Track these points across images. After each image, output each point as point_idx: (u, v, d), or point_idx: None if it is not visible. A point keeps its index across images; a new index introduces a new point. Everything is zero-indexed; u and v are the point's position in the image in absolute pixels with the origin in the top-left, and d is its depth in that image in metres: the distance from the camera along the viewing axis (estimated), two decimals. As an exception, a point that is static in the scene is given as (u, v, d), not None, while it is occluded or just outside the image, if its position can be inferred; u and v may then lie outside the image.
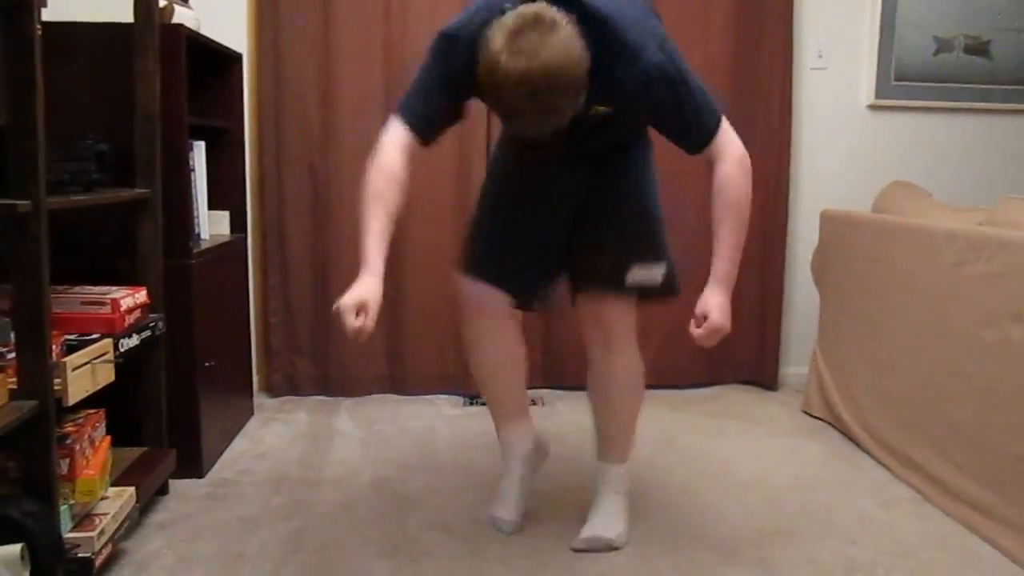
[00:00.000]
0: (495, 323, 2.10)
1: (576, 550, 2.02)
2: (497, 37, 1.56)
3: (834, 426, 2.91)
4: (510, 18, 1.57)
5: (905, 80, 3.44)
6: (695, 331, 1.80)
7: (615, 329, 2.04)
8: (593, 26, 1.64)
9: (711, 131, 1.78)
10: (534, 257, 2.04)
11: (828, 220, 3.01)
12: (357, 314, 1.64)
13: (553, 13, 1.57)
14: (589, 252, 2.01)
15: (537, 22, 1.55)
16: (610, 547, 2.03)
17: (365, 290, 1.67)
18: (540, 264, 2.06)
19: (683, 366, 3.38)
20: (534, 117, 1.59)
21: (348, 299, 1.65)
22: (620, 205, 1.98)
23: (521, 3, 1.62)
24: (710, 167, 1.82)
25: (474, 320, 2.10)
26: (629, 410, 2.12)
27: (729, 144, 1.80)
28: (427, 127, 1.84)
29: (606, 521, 2.07)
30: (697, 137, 1.79)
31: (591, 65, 1.62)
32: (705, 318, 1.79)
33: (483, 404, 3.18)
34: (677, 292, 2.06)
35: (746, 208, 1.83)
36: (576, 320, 2.11)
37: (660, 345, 3.35)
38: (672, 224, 2.07)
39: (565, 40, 1.55)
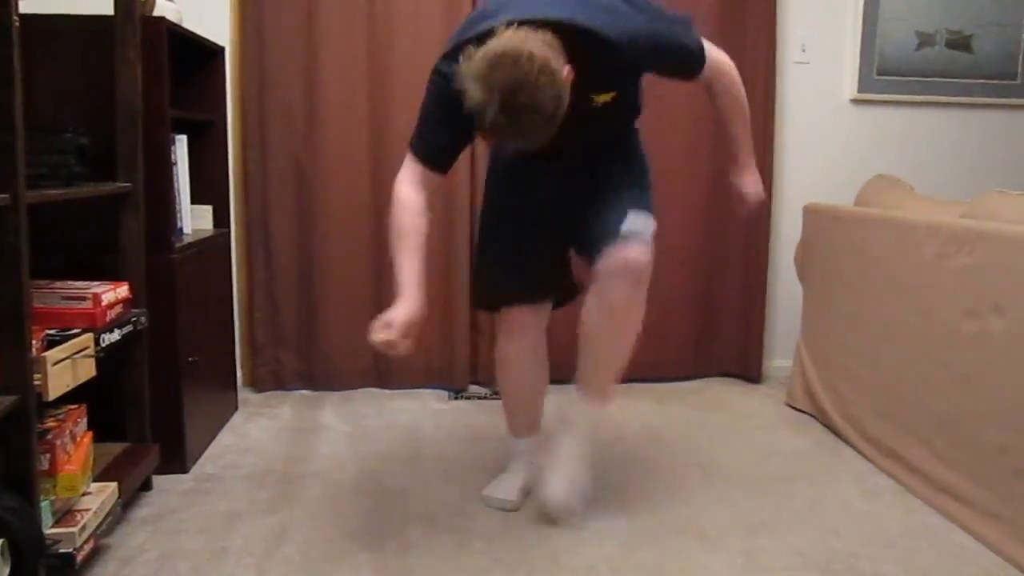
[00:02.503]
0: (532, 344, 2.21)
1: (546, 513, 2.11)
2: (469, 65, 1.64)
3: (817, 418, 2.93)
4: (479, 49, 1.64)
5: (888, 74, 3.46)
6: (744, 205, 2.19)
7: (641, 266, 1.94)
8: (567, 35, 1.72)
9: (700, 59, 1.96)
10: (546, 257, 2.16)
11: (811, 213, 3.02)
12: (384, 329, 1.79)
13: (520, 38, 1.63)
14: (596, 218, 2.01)
15: (507, 54, 1.61)
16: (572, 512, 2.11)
17: (395, 312, 1.82)
18: (552, 261, 2.18)
19: (668, 359, 3.39)
20: (517, 134, 1.67)
21: (379, 319, 1.80)
22: (619, 178, 2.06)
23: (506, 26, 1.69)
24: (703, 84, 2.05)
25: (512, 339, 2.21)
26: (627, 344, 2.04)
27: (714, 58, 1.99)
28: (438, 157, 1.95)
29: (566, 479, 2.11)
30: (693, 68, 1.98)
31: (579, 64, 1.70)
32: (746, 195, 2.17)
33: (468, 398, 3.19)
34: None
35: (744, 100, 2.09)
36: (595, 275, 2.02)
37: (645, 339, 3.35)
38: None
39: (535, 60, 1.61)
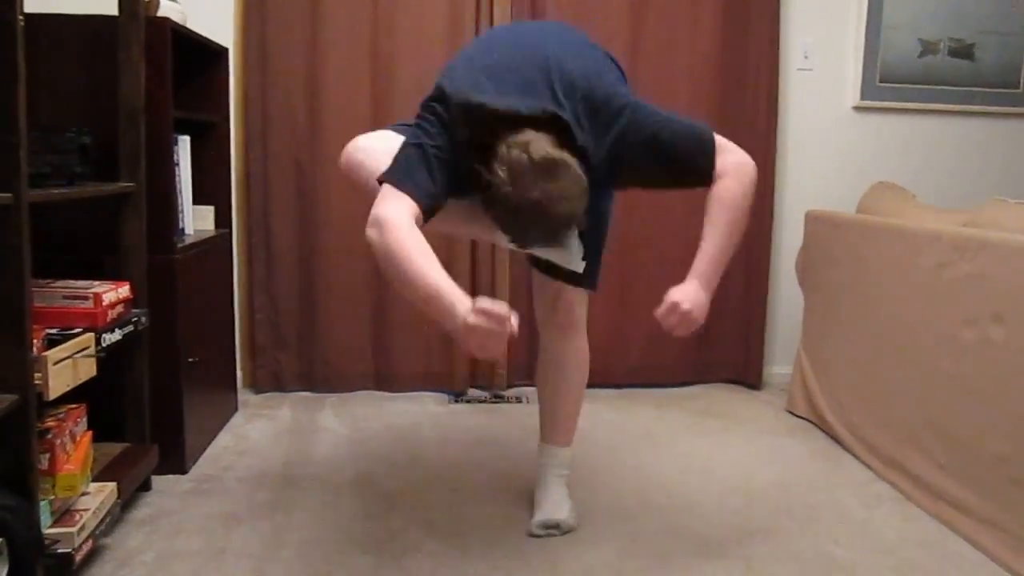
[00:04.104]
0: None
1: (533, 535, 2.06)
2: (512, 178, 1.61)
3: (817, 425, 2.92)
4: (523, 159, 1.61)
5: (890, 82, 3.46)
6: (663, 318, 1.75)
7: (572, 313, 2.11)
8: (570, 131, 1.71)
9: (710, 155, 1.77)
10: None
11: (813, 221, 3.02)
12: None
13: (554, 152, 1.63)
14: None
15: (548, 167, 1.62)
16: (567, 529, 2.09)
17: (482, 302, 1.49)
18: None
19: (668, 365, 3.39)
20: (544, 238, 1.72)
21: (492, 304, 1.47)
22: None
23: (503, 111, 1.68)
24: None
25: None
26: (576, 394, 2.18)
27: (729, 157, 1.78)
28: (433, 198, 1.71)
29: (556, 504, 2.12)
30: (704, 163, 1.77)
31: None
32: (675, 306, 1.73)
33: (467, 402, 3.19)
34: (594, 288, 2.12)
35: (739, 213, 1.77)
36: (534, 304, 2.18)
37: (645, 344, 3.36)
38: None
39: (572, 177, 1.64)
